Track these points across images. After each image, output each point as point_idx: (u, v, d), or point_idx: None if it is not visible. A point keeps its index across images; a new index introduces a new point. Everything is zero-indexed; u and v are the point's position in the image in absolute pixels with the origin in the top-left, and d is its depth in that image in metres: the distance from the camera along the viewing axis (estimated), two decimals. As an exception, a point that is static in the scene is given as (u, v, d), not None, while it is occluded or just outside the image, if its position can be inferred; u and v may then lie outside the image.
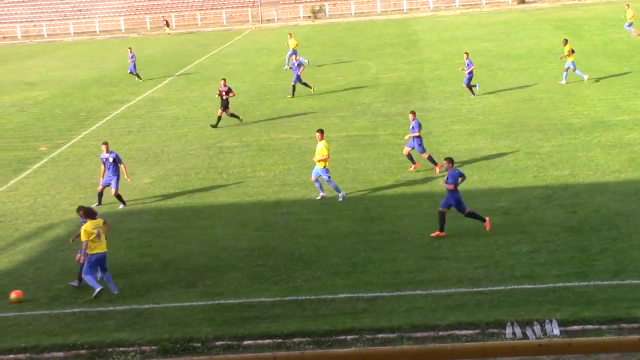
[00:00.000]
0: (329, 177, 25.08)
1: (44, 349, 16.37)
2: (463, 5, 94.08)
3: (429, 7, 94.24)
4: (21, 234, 24.00)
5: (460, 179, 21.45)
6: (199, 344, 16.18)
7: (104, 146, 26.46)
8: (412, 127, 27.81)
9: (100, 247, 18.84)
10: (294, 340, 16.13)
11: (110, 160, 25.98)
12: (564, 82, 40.92)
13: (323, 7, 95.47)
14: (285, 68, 54.29)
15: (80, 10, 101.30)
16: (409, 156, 27.96)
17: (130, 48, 56.90)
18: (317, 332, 16.32)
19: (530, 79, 42.74)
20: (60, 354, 16.26)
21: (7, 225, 24.81)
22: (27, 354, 16.30)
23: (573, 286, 17.63)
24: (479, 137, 31.67)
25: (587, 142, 29.53)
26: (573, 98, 37.57)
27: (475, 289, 17.84)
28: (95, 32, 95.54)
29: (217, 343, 16.17)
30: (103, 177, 26.09)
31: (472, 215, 21.40)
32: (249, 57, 63.74)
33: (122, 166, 26.10)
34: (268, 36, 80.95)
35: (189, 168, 30.33)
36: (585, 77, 40.57)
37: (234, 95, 37.90)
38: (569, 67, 40.97)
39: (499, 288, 17.81)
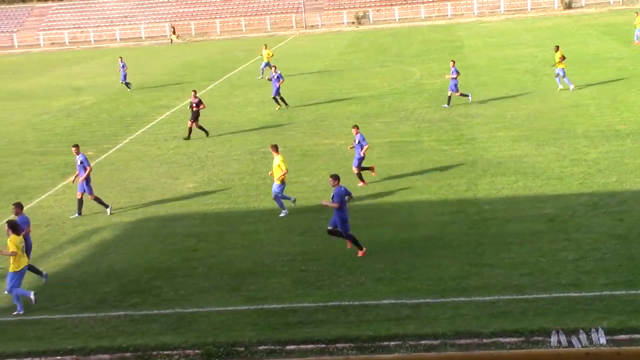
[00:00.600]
0: (280, 191, 24.76)
1: (90, 351, 16.55)
2: (508, 10, 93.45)
3: (474, 13, 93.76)
4: (68, 237, 24.29)
5: (347, 197, 21.22)
6: (242, 348, 16.24)
7: (74, 149, 26.46)
8: (358, 142, 27.57)
9: (24, 261, 19.02)
10: (337, 345, 16.12)
11: (79, 163, 26.11)
12: (560, 87, 42.02)
13: (367, 13, 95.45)
14: (258, 77, 54.65)
15: (126, 17, 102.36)
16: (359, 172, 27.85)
17: (121, 57, 57.56)
18: (361, 337, 16.29)
19: (577, 85, 42.29)
20: (106, 356, 16.43)
21: (55, 229, 25.13)
22: (74, 356, 16.48)
23: (620, 295, 17.40)
24: (524, 144, 31.42)
25: (635, 149, 29.14)
26: (620, 104, 37.12)
27: (520, 297, 17.68)
28: (141, 37, 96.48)
29: (261, 347, 16.21)
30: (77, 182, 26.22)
31: (352, 239, 21.01)
32: (292, 63, 63.89)
33: (87, 169, 25.98)
34: (312, 42, 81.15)
35: (233, 173, 30.49)
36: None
37: (204, 107, 37.97)
38: (558, 74, 41.90)
39: (544, 296, 17.63)
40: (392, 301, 17.93)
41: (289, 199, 25.24)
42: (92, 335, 17.30)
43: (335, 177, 21.40)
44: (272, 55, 55.88)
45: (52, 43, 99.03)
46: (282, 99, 43.17)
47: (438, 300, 17.80)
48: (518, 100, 40.66)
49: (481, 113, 38.01)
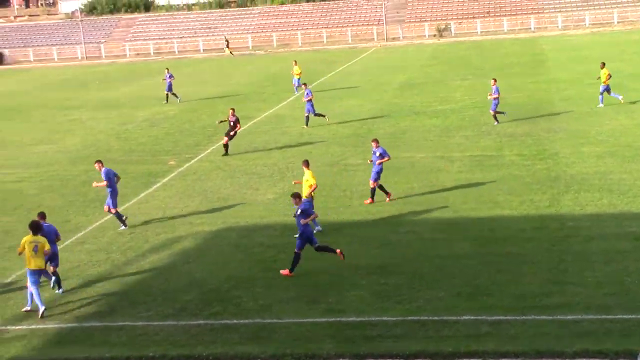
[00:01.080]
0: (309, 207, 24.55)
1: (170, 359, 16.76)
2: (593, 24, 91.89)
3: (558, 26, 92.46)
4: (150, 245, 24.69)
5: (313, 215, 21.47)
6: (321, 361, 16.27)
7: (96, 165, 26.77)
8: (377, 154, 27.63)
9: (33, 262, 19.37)
10: (416, 360, 16.02)
11: (104, 176, 26.35)
12: (601, 105, 41.93)
13: (449, 26, 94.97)
14: (295, 94, 54.30)
15: (209, 28, 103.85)
16: (380, 187, 27.69)
17: (167, 69, 58.27)
18: (440, 353, 16.15)
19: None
20: (186, 364, 16.63)
21: (138, 237, 25.58)
22: (155, 363, 16.73)
23: None
24: (609, 160, 30.81)
25: None
26: None
27: (604, 317, 17.30)
28: (223, 49, 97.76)
29: (339, 360, 16.22)
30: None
31: (324, 249, 21.48)
32: (373, 75, 63.94)
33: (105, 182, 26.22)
34: (393, 54, 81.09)
35: (313, 185, 30.57)
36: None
37: (240, 128, 38.02)
38: (605, 91, 41.84)
39: (630, 317, 17.22)
40: (472, 317, 17.74)
41: (315, 223, 24.67)
42: (173, 343, 17.52)
43: (297, 196, 21.74)
44: (300, 73, 55.86)
45: (137, 54, 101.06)
46: (308, 118, 43.13)
47: (519, 317, 17.54)
48: (602, 115, 39.94)
49: (564, 128, 37.43)
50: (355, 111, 47.10)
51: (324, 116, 43.39)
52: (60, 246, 24.29)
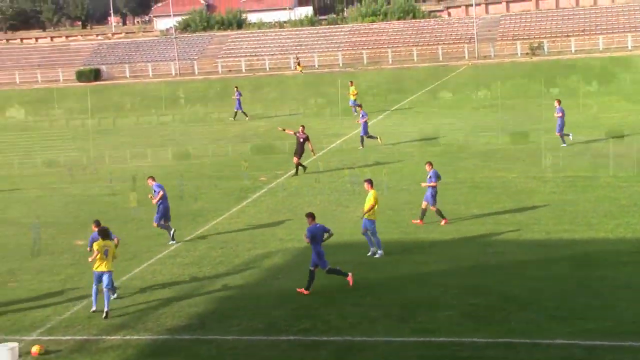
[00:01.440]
0: (371, 228, 24.35)
1: (259, 374, 16.86)
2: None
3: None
4: (241, 260, 24.93)
5: (326, 234, 21.64)
6: (410, 381, 16.14)
7: (149, 180, 27.51)
8: (430, 177, 27.35)
9: (100, 265, 20.51)
10: (507, 384, 15.77)
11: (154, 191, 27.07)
12: None
13: (542, 44, 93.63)
14: (355, 114, 53.57)
15: (300, 45, 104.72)
16: (438, 211, 27.34)
17: (236, 87, 58.67)
18: (532, 377, 15.86)
19: None
20: (275, 379, 16.70)
21: (229, 251, 25.87)
22: (244, 377, 16.84)
23: None
24: None
25: None
26: None
27: None
28: (314, 66, 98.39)
29: (428, 381, 16.07)
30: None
31: (335, 272, 21.55)
32: (464, 94, 63.51)
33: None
34: (484, 72, 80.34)
35: (403, 203, 30.49)
36: None
37: (311, 147, 37.81)
38: None
39: None
40: (565, 341, 17.35)
41: (378, 246, 24.51)
42: (262, 358, 17.62)
43: (310, 215, 21.85)
44: (357, 93, 55.49)
45: (230, 70, 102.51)
46: (362, 139, 42.98)
47: (615, 343, 17.09)
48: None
49: (662, 149, 36.51)
50: (446, 129, 46.82)
51: (376, 138, 43.39)
52: (152, 259, 24.79)
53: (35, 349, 18.14)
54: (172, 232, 27.22)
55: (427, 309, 19.80)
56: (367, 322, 19.22)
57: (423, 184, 28.09)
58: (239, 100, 57.10)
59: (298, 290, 21.30)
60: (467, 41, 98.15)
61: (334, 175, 36.34)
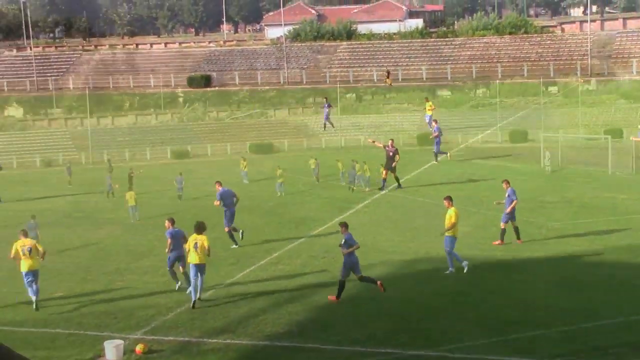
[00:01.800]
0: (450, 246, 23.94)
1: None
2: None
3: None
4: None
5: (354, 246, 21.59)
6: (509, 401, 15.89)
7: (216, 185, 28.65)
8: (508, 195, 26.97)
9: (193, 257, 21.89)
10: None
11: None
12: None
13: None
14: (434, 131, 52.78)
15: (409, 57, 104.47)
16: (515, 228, 26.91)
17: (326, 98, 59.02)
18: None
19: None
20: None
21: (331, 261, 25.98)
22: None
23: None
24: None
25: None
26: None
27: None
28: (422, 78, 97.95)
29: (528, 402, 15.79)
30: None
31: (367, 280, 21.96)
32: (575, 111, 62.21)
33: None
34: (597, 90, 78.52)
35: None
36: None
37: (399, 159, 37.34)
38: None
39: None
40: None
41: (459, 260, 24.17)
42: (360, 369, 17.64)
43: (344, 225, 22.31)
44: (434, 108, 55.03)
45: (338, 80, 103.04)
46: (436, 154, 42.76)
47: None
48: None
49: None
50: (554, 147, 46.00)
51: (445, 153, 43.27)
52: (254, 265, 25.09)
53: (139, 348, 18.60)
54: (241, 233, 28.47)
55: (528, 328, 19.40)
56: (467, 338, 18.97)
57: (496, 202, 27.87)
58: (326, 112, 57.71)
59: (329, 297, 21.78)
60: (580, 58, 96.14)
61: (437, 189, 36.11)
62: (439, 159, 43.19)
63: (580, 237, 27.22)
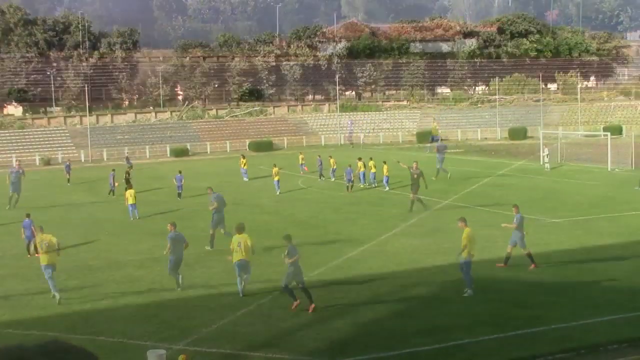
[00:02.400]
0: (465, 266, 23.54)
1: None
2: None
3: None
4: (385, 289, 24.78)
5: None
6: None
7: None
8: (515, 220, 26.77)
9: (237, 256, 23.44)
10: None
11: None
12: None
13: None
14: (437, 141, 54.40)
15: (461, 77, 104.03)
16: (528, 254, 26.56)
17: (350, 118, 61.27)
18: None
19: None
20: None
21: (373, 279, 25.89)
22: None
23: None
24: None
25: None
26: None
27: None
28: (469, 98, 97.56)
29: None
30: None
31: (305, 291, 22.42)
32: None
33: None
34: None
35: (551, 242, 29.73)
36: None
37: (424, 180, 37.88)
38: None
39: None
40: None
41: (468, 284, 23.74)
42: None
43: (287, 237, 22.69)
44: (439, 129, 57.41)
45: (387, 98, 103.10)
46: (439, 170, 44.12)
47: None
48: None
49: None
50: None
51: (447, 172, 45.43)
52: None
53: (181, 358, 18.68)
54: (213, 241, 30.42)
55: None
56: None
57: (504, 225, 27.58)
58: (351, 129, 60.47)
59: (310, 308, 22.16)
60: None
61: (482, 211, 35.86)
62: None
63: (580, 234, 26.76)
